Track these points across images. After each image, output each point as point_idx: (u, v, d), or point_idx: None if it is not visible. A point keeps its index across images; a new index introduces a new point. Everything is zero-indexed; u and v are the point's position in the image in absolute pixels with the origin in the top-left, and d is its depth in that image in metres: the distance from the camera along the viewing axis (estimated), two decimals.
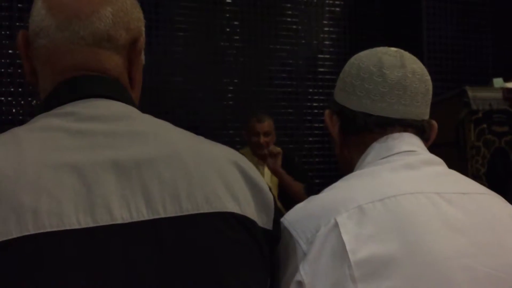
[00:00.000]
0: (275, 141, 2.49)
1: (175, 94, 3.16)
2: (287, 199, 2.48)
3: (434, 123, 0.80)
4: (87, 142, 0.53)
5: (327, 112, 0.83)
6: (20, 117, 2.88)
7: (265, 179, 2.54)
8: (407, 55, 0.78)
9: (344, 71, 0.81)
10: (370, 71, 0.76)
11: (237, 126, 2.99)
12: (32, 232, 0.46)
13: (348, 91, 0.78)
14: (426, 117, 0.79)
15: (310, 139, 3.43)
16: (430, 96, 0.79)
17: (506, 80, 2.66)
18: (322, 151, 3.42)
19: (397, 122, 0.75)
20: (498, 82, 2.61)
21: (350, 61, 0.81)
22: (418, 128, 0.77)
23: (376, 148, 0.75)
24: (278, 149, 2.38)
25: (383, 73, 0.75)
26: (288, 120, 3.38)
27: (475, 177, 2.36)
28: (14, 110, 2.91)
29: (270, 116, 2.60)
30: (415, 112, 0.76)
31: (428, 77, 0.78)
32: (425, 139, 0.78)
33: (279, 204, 2.46)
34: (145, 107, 0.64)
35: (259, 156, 2.55)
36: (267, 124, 2.53)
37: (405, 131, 0.76)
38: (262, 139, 2.48)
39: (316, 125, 3.40)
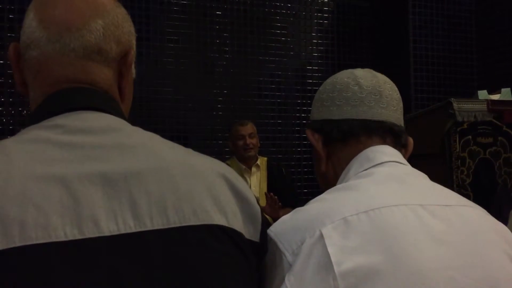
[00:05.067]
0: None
1: (166, 105, 3.17)
2: None
3: (411, 139, 0.84)
4: (75, 154, 0.53)
5: (308, 131, 0.85)
6: (11, 127, 2.86)
7: (252, 188, 2.56)
8: (376, 72, 0.84)
9: (319, 91, 0.85)
10: (345, 82, 0.81)
11: (226, 136, 2.99)
12: (18, 244, 0.46)
13: (326, 105, 0.82)
14: (402, 124, 0.83)
15: (299, 149, 3.45)
16: (402, 106, 0.84)
17: (490, 92, 2.70)
18: (310, 161, 3.43)
19: (379, 125, 0.79)
20: (482, 94, 2.65)
21: (324, 83, 0.86)
22: (397, 134, 0.80)
23: (358, 161, 0.77)
24: (275, 197, 2.37)
25: (358, 82, 0.80)
26: (276, 130, 3.40)
27: (460, 187, 2.39)
28: (4, 120, 2.89)
29: (259, 126, 2.63)
30: (393, 115, 0.80)
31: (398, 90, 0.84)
32: (402, 146, 0.81)
33: (266, 215, 2.48)
34: (136, 118, 0.64)
35: (247, 159, 2.56)
36: (250, 126, 2.61)
37: (385, 140, 0.79)
38: (248, 140, 2.55)
39: (304, 135, 3.40)
